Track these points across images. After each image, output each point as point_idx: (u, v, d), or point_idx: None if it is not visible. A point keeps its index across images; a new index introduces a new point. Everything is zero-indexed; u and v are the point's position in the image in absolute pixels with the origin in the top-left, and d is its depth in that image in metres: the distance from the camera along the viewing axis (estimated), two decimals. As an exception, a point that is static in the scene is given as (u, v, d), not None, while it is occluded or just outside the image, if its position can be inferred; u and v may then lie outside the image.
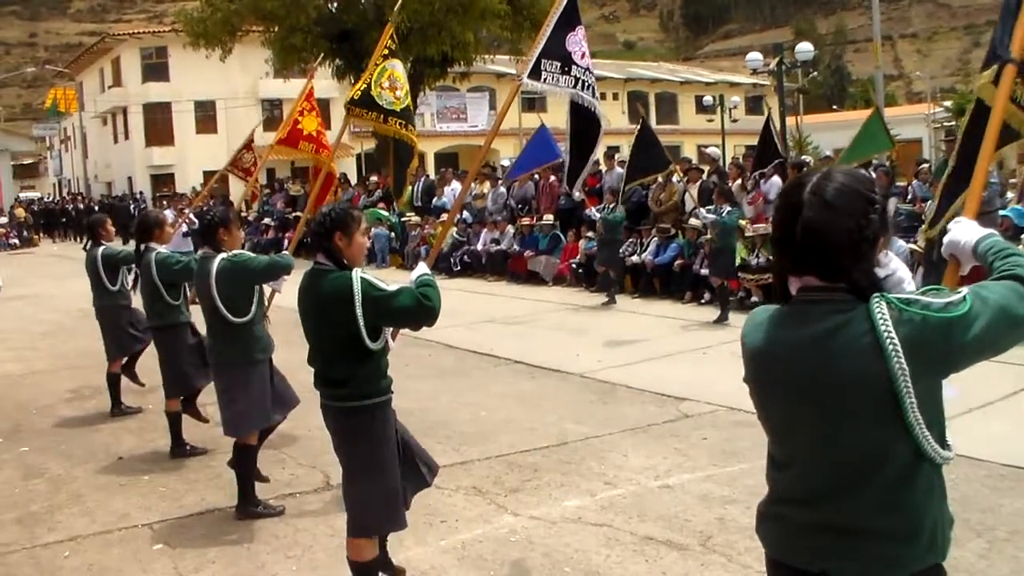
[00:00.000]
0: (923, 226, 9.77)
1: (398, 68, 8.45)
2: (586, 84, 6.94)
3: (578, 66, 6.89)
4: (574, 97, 6.92)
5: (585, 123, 7.11)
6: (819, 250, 2.30)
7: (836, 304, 2.30)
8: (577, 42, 6.93)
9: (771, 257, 12.95)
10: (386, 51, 8.47)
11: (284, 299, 6.71)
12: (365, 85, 8.31)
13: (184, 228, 14.20)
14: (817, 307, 2.33)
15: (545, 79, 6.81)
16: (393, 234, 23.78)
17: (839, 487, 2.34)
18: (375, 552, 4.74)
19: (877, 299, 2.26)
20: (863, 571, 2.32)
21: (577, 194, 11.55)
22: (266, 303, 6.99)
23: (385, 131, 8.66)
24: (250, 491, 6.44)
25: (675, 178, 16.85)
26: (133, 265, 8.80)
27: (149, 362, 8.30)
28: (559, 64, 6.83)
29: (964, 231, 2.74)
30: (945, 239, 2.79)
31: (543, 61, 6.81)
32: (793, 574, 2.43)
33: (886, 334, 2.21)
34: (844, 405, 2.28)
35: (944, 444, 2.34)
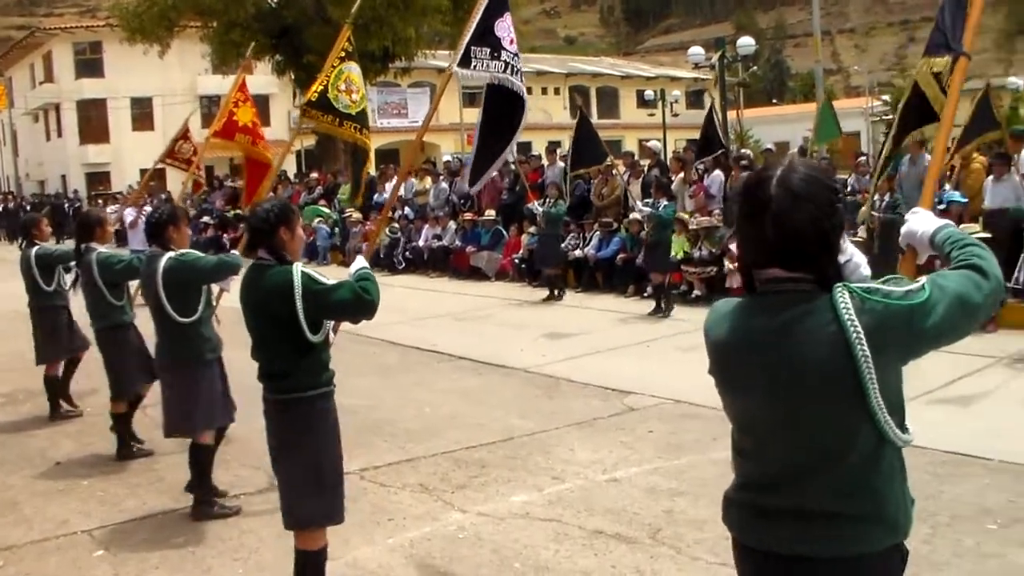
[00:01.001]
0: (863, 208, 9.91)
1: (355, 71, 8.40)
2: (515, 69, 7.03)
3: (507, 51, 6.99)
4: (503, 82, 6.98)
5: (505, 109, 7.14)
6: (790, 242, 2.33)
7: (800, 294, 2.35)
8: (505, 28, 7.03)
9: (713, 250, 13.03)
10: (343, 53, 8.42)
11: (231, 298, 6.63)
12: (322, 87, 8.25)
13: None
14: (782, 297, 2.37)
15: (475, 66, 6.90)
16: (336, 230, 23.61)
17: (805, 472, 2.38)
18: (325, 539, 4.74)
19: (840, 288, 2.31)
20: (828, 552, 2.37)
21: (473, 190, 11.46)
22: (214, 302, 6.91)
23: (340, 135, 8.59)
24: (206, 492, 6.36)
25: (615, 172, 16.98)
26: (72, 264, 8.62)
27: (91, 365, 8.14)
28: (488, 51, 6.92)
29: (921, 221, 2.80)
30: (903, 229, 2.85)
31: (472, 49, 6.87)
32: (759, 556, 2.48)
33: (849, 322, 2.26)
34: (809, 392, 2.33)
35: (904, 428, 2.40)
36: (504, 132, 7.28)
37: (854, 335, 2.24)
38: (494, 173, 8.10)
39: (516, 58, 7.06)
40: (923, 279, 2.37)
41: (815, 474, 2.36)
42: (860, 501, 2.35)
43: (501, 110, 7.16)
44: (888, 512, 2.38)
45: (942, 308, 2.31)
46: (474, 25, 6.93)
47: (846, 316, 2.26)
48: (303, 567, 4.68)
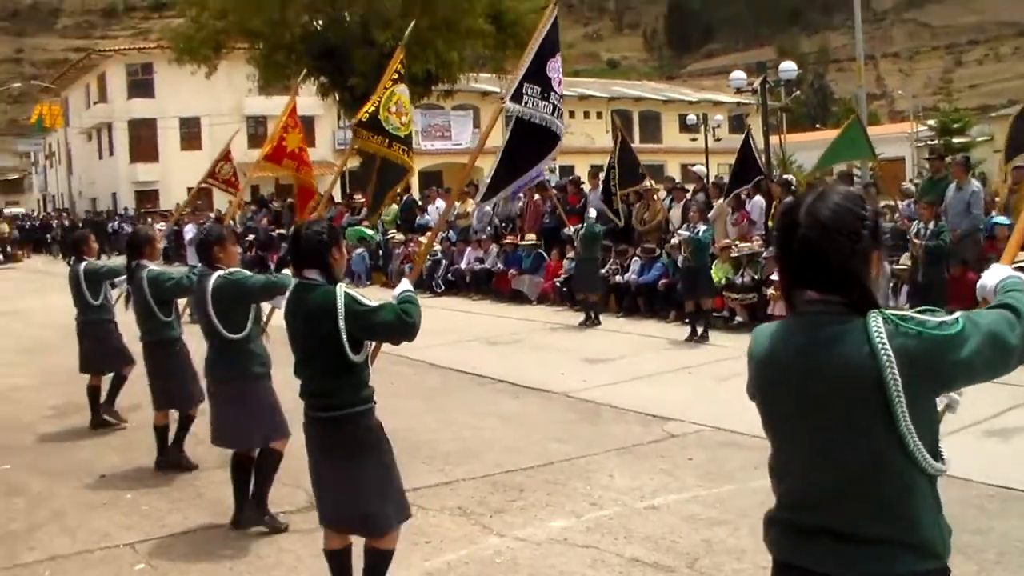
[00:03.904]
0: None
1: (405, 94, 8.59)
2: (560, 112, 7.23)
3: (555, 93, 7.15)
4: (549, 124, 7.16)
5: (533, 142, 7.26)
6: (814, 267, 2.43)
7: (834, 316, 2.41)
8: (555, 69, 7.18)
9: (755, 276, 12.98)
10: (396, 75, 8.54)
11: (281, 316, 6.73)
12: (373, 108, 8.39)
13: None
14: (816, 319, 2.44)
15: (526, 103, 7.01)
16: (380, 252, 23.68)
17: (836, 493, 2.42)
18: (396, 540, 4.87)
19: (875, 313, 2.37)
20: (861, 574, 2.39)
21: (487, 208, 11.68)
22: (264, 319, 7.02)
23: (388, 155, 8.71)
24: (263, 499, 6.43)
25: (657, 196, 17.03)
26: (121, 280, 8.80)
27: (137, 380, 8.25)
28: (539, 89, 7.04)
29: (993, 275, 2.85)
30: (978, 283, 2.92)
31: (525, 85, 6.97)
32: (795, 572, 2.52)
33: (881, 346, 2.31)
34: (840, 413, 2.38)
35: (937, 457, 2.42)
36: (526, 162, 7.37)
37: (885, 359, 2.30)
38: (508, 193, 8.28)
39: (560, 100, 7.24)
40: (958, 313, 2.40)
41: (845, 496, 2.41)
42: (892, 525, 2.38)
43: (529, 142, 7.24)
44: (922, 537, 2.40)
45: (974, 342, 2.34)
46: (528, 62, 7.06)
47: (878, 340, 2.31)
48: (375, 564, 4.82)
